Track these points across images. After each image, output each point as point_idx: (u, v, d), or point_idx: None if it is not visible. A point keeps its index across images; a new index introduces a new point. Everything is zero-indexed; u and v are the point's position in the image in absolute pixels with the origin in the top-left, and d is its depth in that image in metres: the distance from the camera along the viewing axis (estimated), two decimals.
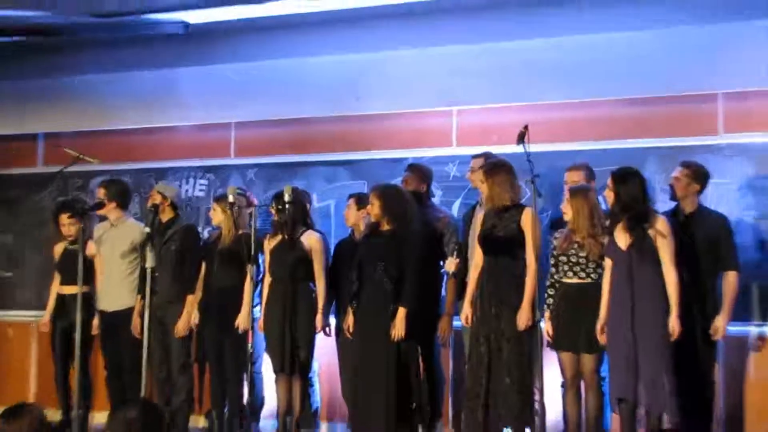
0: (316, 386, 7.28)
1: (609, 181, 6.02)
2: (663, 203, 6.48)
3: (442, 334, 6.83)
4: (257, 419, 7.13)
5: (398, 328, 6.36)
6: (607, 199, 6.09)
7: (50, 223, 7.97)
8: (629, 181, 5.96)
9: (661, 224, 5.90)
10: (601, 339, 5.98)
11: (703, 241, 6.20)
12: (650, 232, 5.87)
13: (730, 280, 6.20)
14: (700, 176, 6.32)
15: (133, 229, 7.48)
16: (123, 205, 7.58)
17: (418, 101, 7.57)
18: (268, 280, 6.93)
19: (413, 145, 7.61)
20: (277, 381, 6.92)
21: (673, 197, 6.37)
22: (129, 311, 7.34)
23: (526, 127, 5.90)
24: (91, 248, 7.41)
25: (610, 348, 5.94)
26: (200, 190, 8.21)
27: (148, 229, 6.73)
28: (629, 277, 5.87)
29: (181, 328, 7.16)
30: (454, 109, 7.55)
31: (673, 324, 5.78)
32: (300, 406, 6.85)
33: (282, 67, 7.91)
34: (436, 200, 7.27)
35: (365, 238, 6.72)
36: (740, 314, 6.45)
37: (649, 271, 5.86)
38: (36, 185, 8.53)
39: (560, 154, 7.03)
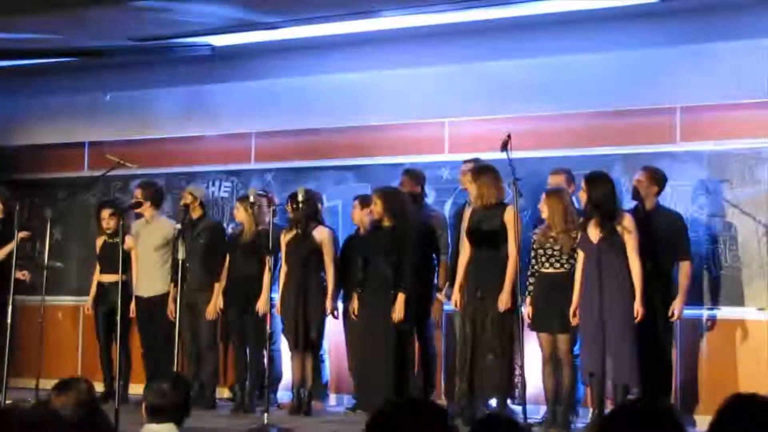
0: (326, 362, 7.31)
1: (582, 184, 6.06)
2: (628, 203, 6.51)
3: (435, 317, 6.86)
4: (275, 391, 7.16)
5: (398, 311, 6.40)
6: (580, 199, 6.12)
7: (93, 219, 8.00)
8: (599, 183, 6.00)
9: (628, 221, 5.95)
10: (573, 321, 6.01)
11: (661, 235, 6.23)
12: (618, 228, 5.91)
13: (684, 269, 6.24)
14: (658, 179, 6.36)
15: (166, 225, 7.51)
16: (157, 204, 7.61)
17: (414, 114, 7.57)
18: (284, 269, 6.96)
19: (410, 152, 7.60)
20: (292, 357, 6.96)
21: (635, 197, 6.41)
22: (162, 297, 7.37)
23: (508, 136, 5.93)
24: (128, 242, 7.44)
25: (582, 328, 5.98)
26: (225, 192, 8.22)
27: (179, 225, 6.77)
28: (599, 267, 5.91)
29: (210, 311, 7.19)
30: (446, 120, 7.55)
31: (638, 307, 5.83)
32: (312, 379, 6.89)
33: (296, 84, 7.92)
34: (430, 200, 7.28)
35: (369, 233, 6.76)
36: (694, 299, 6.50)
37: (617, 262, 5.90)
38: (82, 187, 8.54)
39: (539, 160, 7.04)
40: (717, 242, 6.63)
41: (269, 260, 6.55)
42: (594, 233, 5.96)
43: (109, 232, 7.62)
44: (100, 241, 7.76)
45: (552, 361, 6.22)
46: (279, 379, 7.29)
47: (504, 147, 5.90)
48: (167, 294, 7.35)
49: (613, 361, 5.84)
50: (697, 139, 6.77)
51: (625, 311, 5.86)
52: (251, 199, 6.80)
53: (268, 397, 6.45)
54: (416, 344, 6.70)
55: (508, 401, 6.24)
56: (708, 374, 6.58)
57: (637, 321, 5.85)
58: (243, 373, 7.11)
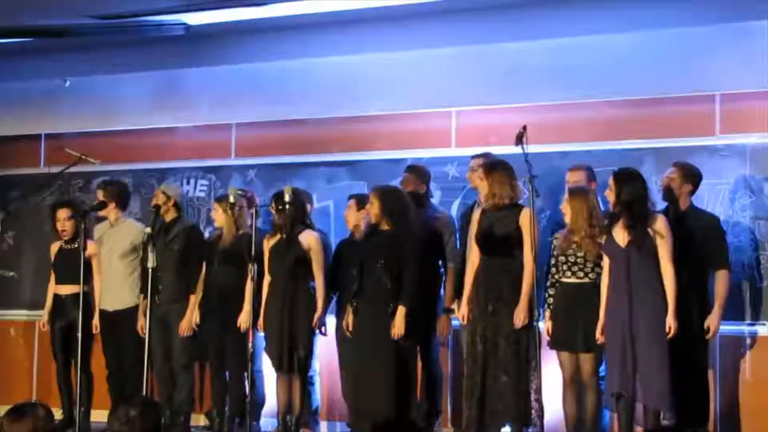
0: (317, 385, 7.28)
1: (610, 181, 6.05)
2: (659, 203, 6.48)
3: (441, 333, 6.84)
4: (258, 418, 7.13)
5: (398, 327, 6.38)
6: (608, 198, 6.11)
7: (47, 222, 7.95)
8: (630, 181, 5.98)
9: (661, 223, 5.94)
10: (600, 338, 5.98)
11: (696, 240, 6.20)
12: (649, 231, 5.90)
13: (721, 279, 6.21)
14: (692, 176, 6.33)
15: (133, 229, 7.48)
16: (122, 205, 7.58)
17: (417, 102, 7.57)
18: (267, 279, 6.93)
19: (413, 146, 7.61)
20: (277, 380, 6.93)
21: (666, 197, 6.38)
22: (129, 310, 7.36)
23: (524, 128, 5.93)
24: (91, 248, 7.40)
25: (608, 343, 5.95)
26: (201, 191, 8.21)
27: (149, 230, 6.74)
28: (627, 274, 5.89)
29: (184, 327, 7.17)
30: (453, 110, 7.55)
31: (670, 322, 5.81)
32: (300, 404, 6.86)
33: (282, 69, 7.91)
34: (435, 200, 7.27)
35: (365, 237, 6.73)
36: (735, 314, 6.49)
37: (648, 269, 5.88)
38: (38, 186, 8.52)
39: (558, 155, 7.04)
40: (761, 249, 6.61)
41: (252, 269, 6.52)
42: (621, 236, 5.95)
43: (65, 237, 7.58)
44: (55, 247, 7.72)
45: (574, 384, 6.20)
46: (262, 404, 7.26)
47: (519, 140, 5.90)
48: (135, 307, 7.33)
49: (642, 380, 5.81)
50: (739, 130, 6.76)
51: (656, 325, 5.82)
52: (231, 199, 6.78)
53: (251, 425, 6.43)
54: (419, 364, 6.67)
55: (524, 429, 6.22)
56: (750, 398, 6.58)
57: (669, 337, 5.82)
58: (221, 398, 7.08)
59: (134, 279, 7.40)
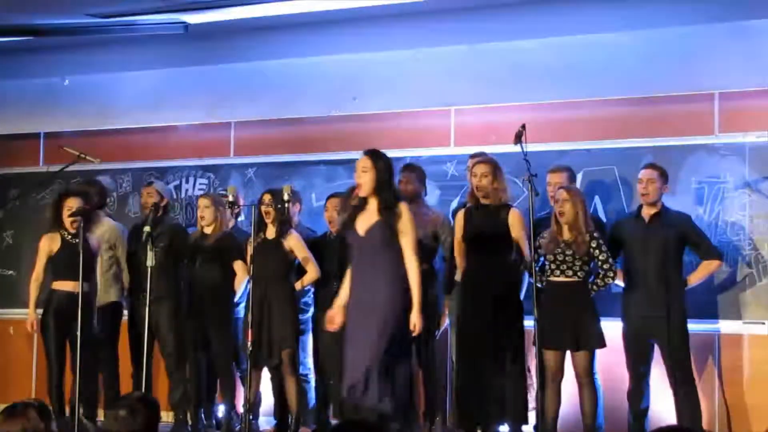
0: (312, 383, 7.25)
1: (365, 161, 5.66)
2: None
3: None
4: (255, 416, 7.12)
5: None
6: (359, 180, 5.68)
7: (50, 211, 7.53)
8: (385, 163, 5.68)
9: (406, 214, 5.58)
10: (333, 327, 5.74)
11: (669, 241, 6.22)
12: (394, 218, 5.57)
13: (707, 267, 6.28)
14: (667, 176, 6.36)
15: (112, 228, 7.46)
16: (102, 204, 7.56)
17: (416, 101, 7.58)
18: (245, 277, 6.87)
19: (412, 145, 7.61)
20: (251, 375, 6.60)
21: (645, 199, 6.33)
22: (111, 305, 7.29)
23: (523, 127, 5.91)
24: (95, 243, 7.20)
25: (348, 333, 5.65)
26: (200, 189, 8.20)
27: (148, 228, 6.72)
28: (362, 263, 5.62)
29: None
30: (452, 108, 7.56)
31: (415, 319, 5.51)
32: (297, 403, 6.83)
33: (281, 67, 7.92)
34: (434, 199, 7.27)
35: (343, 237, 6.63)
36: (734, 312, 6.53)
37: (387, 258, 5.57)
38: (37, 184, 8.50)
39: (557, 154, 7.05)
40: (759, 247, 6.61)
41: (251, 267, 6.50)
42: (362, 224, 5.62)
43: (74, 229, 6.90)
44: (54, 240, 7.00)
45: (557, 382, 6.18)
46: (259, 402, 7.24)
47: (518, 139, 5.88)
48: (115, 303, 7.32)
49: (352, 376, 5.49)
50: (738, 129, 6.76)
51: (383, 318, 5.46)
52: (230, 198, 6.75)
53: (249, 423, 6.42)
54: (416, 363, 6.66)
55: (521, 428, 6.23)
56: (748, 397, 6.59)
57: (415, 334, 5.57)
58: (200, 395, 7.10)
59: (111, 275, 7.35)
